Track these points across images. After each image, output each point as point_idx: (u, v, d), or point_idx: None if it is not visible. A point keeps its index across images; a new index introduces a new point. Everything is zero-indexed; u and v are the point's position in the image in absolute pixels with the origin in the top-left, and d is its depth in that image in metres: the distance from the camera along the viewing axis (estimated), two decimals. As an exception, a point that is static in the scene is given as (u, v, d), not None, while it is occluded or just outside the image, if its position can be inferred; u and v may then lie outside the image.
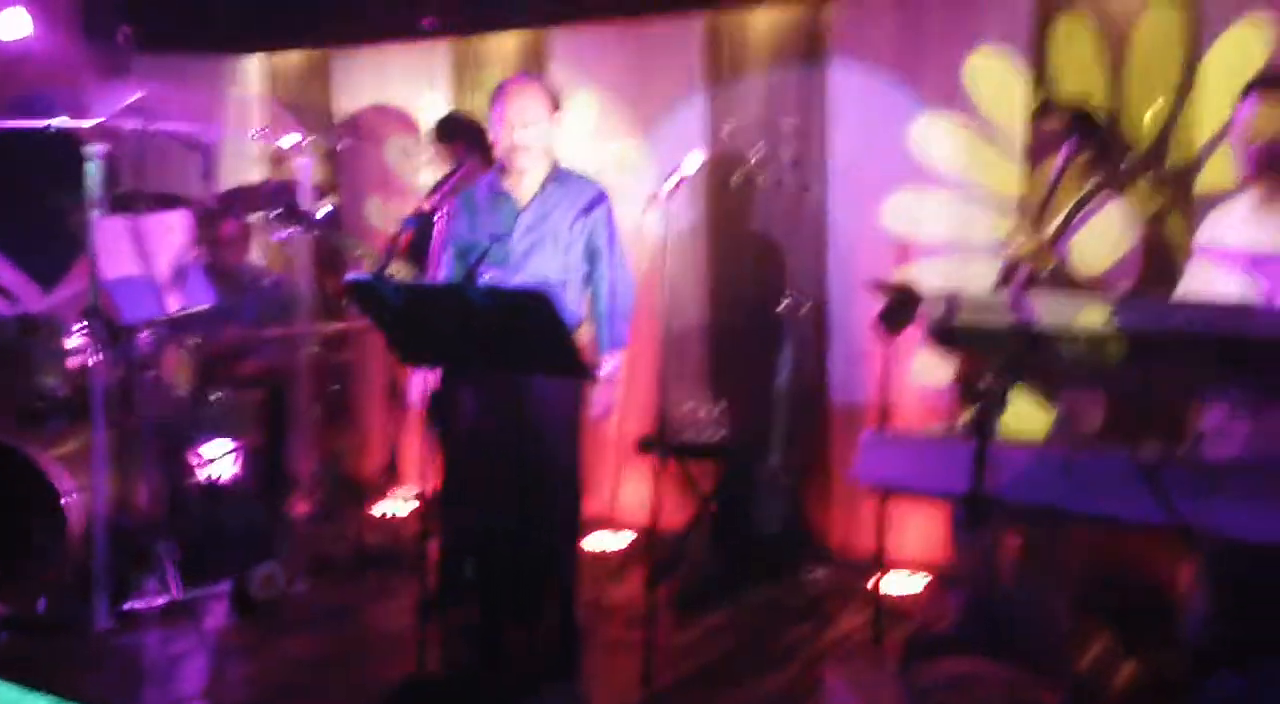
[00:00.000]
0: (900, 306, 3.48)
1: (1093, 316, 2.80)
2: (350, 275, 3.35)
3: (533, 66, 5.37)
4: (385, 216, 5.88)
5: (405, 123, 5.86)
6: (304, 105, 6.04)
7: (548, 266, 3.62)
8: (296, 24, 5.82)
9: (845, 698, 2.60)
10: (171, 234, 4.12)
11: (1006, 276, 3.73)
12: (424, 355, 3.17)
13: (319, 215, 4.04)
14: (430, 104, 5.73)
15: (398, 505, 5.49)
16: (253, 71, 6.32)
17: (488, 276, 3.50)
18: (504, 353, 2.96)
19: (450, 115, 4.87)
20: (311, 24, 5.79)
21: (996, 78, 4.42)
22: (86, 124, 4.07)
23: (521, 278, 3.58)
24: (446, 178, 3.65)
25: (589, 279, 3.73)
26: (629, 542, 5.08)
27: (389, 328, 3.08)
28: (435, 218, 3.59)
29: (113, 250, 3.95)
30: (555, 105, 3.69)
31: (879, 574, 3.62)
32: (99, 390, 4.07)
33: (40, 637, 4.04)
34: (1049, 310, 2.79)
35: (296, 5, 5.76)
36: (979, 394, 2.90)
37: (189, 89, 5.71)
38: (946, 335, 2.87)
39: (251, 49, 6.21)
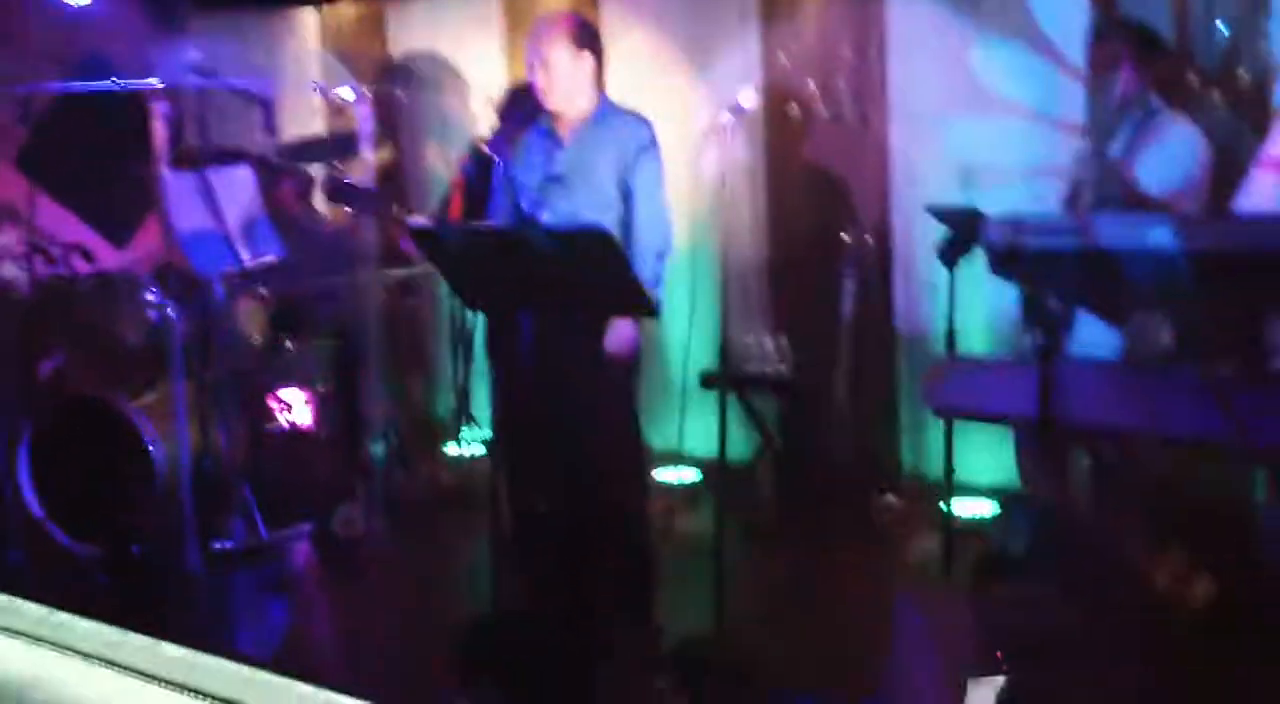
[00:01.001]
0: (960, 233, 3.49)
1: (1159, 237, 2.79)
2: (412, 221, 3.39)
3: (585, 7, 5.36)
4: (444, 162, 5.93)
5: (456, 70, 5.88)
6: (359, 55, 6.09)
7: (582, 206, 3.54)
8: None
9: (914, 619, 2.65)
10: (239, 188, 4.20)
11: (1072, 200, 3.71)
12: (486, 298, 3.20)
13: (361, 188, 4.03)
14: (483, 49, 5.75)
15: (468, 447, 5.59)
16: (308, 24, 6.37)
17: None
18: (566, 293, 3.00)
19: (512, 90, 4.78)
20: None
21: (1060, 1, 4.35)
22: (152, 83, 4.13)
23: (557, 218, 3.51)
24: (503, 122, 3.67)
25: (624, 218, 3.61)
26: (697, 475, 5.14)
27: (451, 272, 3.12)
28: (495, 162, 3.61)
29: (183, 205, 4.04)
30: (582, 43, 3.59)
31: (947, 499, 3.64)
32: (176, 342, 4.19)
33: (135, 579, 4.20)
34: (1113, 232, 2.78)
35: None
36: (1044, 317, 2.91)
37: (245, 44, 5.79)
38: (1010, 259, 2.87)
39: (305, 2, 6.25)
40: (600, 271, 2.86)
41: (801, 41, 4.91)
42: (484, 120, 5.53)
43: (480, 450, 5.53)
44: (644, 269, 3.52)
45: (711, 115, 4.98)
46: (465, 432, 5.58)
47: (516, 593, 3.96)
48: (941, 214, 3.63)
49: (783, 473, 4.91)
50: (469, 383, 5.54)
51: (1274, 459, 3.08)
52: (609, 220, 3.54)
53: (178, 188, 4.06)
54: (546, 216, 3.50)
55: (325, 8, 6.30)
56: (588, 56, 3.59)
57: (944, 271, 3.93)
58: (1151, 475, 3.41)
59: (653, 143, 3.61)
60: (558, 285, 2.93)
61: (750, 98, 3.36)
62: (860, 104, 4.80)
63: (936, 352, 4.69)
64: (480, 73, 5.71)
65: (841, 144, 4.88)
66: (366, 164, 4.58)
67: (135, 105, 5.72)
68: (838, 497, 4.78)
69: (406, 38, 6.06)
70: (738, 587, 3.89)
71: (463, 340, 5.46)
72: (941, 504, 4.45)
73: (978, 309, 4.54)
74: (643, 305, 2.91)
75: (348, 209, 3.81)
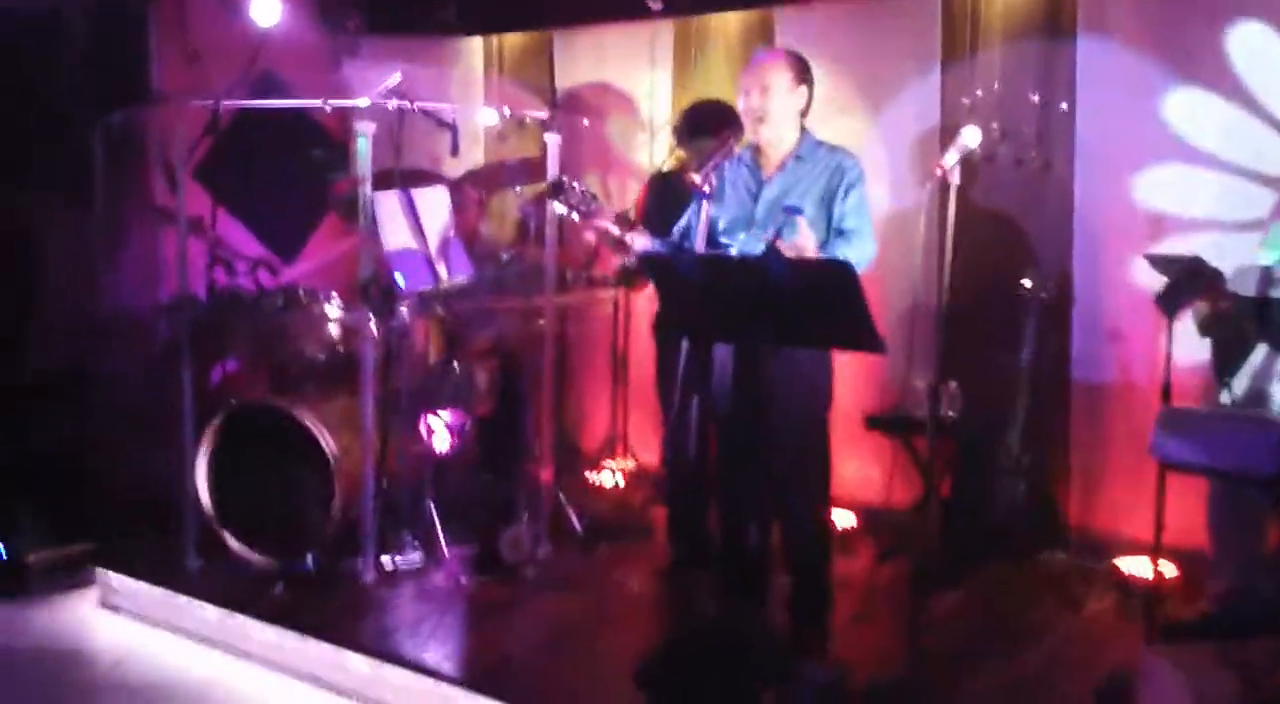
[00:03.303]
0: (1186, 282, 3.43)
1: None
2: (643, 247, 3.40)
3: (758, 43, 5.39)
4: (605, 192, 6.00)
5: (625, 101, 5.95)
6: (525, 83, 6.19)
7: (791, 240, 3.48)
8: (524, 5, 5.96)
9: (1170, 677, 2.58)
10: (437, 209, 4.27)
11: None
12: (714, 330, 3.20)
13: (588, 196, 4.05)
14: (652, 82, 5.81)
15: (617, 476, 5.61)
16: (474, 52, 6.49)
17: (734, 250, 3.57)
18: (798, 326, 2.99)
19: (693, 109, 4.80)
20: (539, 5, 5.92)
21: (1262, 51, 4.27)
22: (360, 103, 4.23)
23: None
24: (711, 153, 3.68)
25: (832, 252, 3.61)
26: (855, 519, 5.09)
27: (678, 303, 3.12)
28: (705, 192, 3.62)
29: (391, 224, 4.11)
30: (800, 78, 3.65)
31: (1150, 556, 3.56)
32: (369, 357, 4.26)
33: (311, 589, 4.26)
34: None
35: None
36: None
37: (421, 70, 5.91)
38: (1267, 310, 2.81)
39: (476, 31, 6.37)
40: (838, 307, 2.85)
41: (985, 84, 4.89)
42: (658, 149, 5.60)
43: (625, 479, 5.55)
44: None
45: (886, 157, 5.06)
46: (619, 461, 5.61)
47: (691, 621, 3.96)
48: (1161, 262, 3.56)
49: (947, 521, 4.83)
50: (623, 412, 5.60)
51: None
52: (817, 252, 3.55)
53: (386, 207, 4.13)
54: (746, 249, 3.51)
55: (493, 37, 6.40)
56: (804, 91, 3.62)
57: (1146, 320, 3.89)
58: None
59: (861, 178, 3.62)
60: (789, 318, 2.92)
61: (974, 136, 3.34)
62: (1045, 149, 4.75)
63: (1113, 404, 4.65)
64: (650, 104, 5.77)
65: (1024, 189, 4.82)
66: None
67: (304, 123, 5.90)
68: (1003, 547, 4.70)
69: (571, 67, 6.14)
70: (915, 632, 3.85)
71: (620, 370, 5.52)
72: (1132, 561, 4.38)
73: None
74: (875, 342, 2.89)
75: (579, 215, 3.72)
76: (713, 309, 3.02)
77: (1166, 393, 3.50)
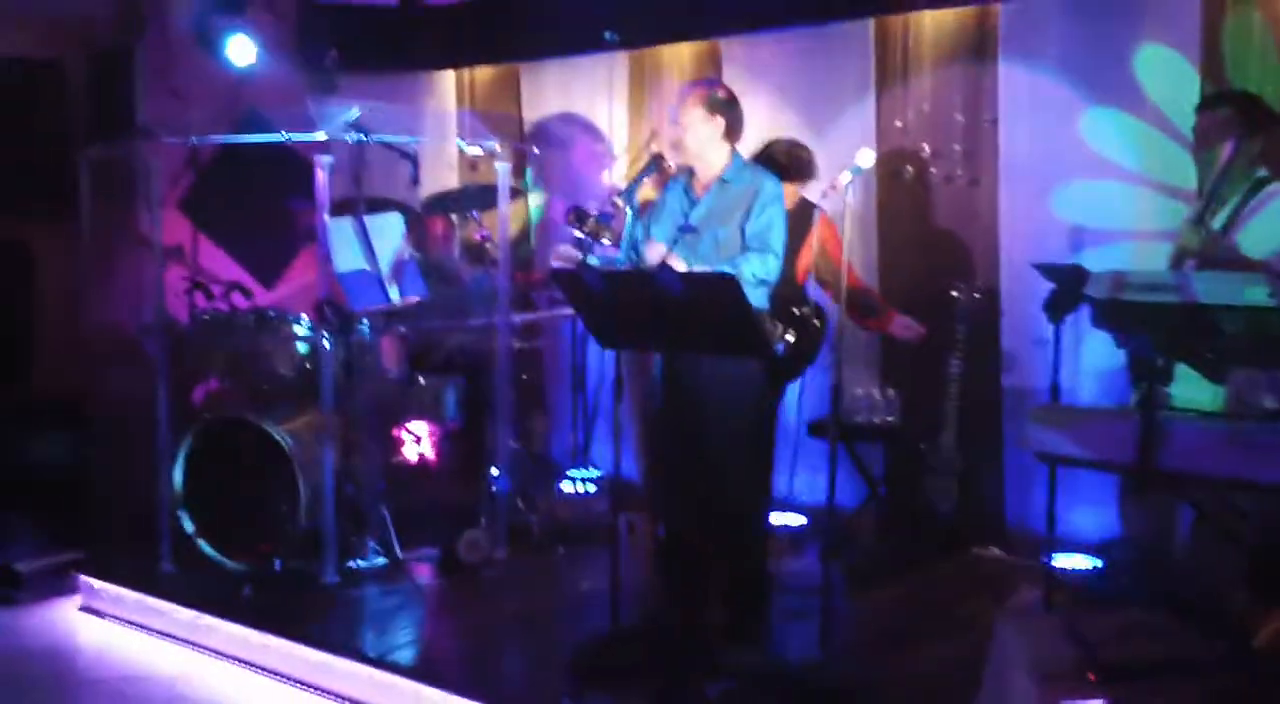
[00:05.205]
0: (1067, 289, 3.67)
1: (1255, 294, 2.95)
2: (554, 265, 3.68)
3: (707, 73, 5.68)
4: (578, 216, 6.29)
5: (589, 129, 6.25)
6: (495, 115, 6.49)
7: (713, 258, 3.79)
8: (489, 42, 6.28)
9: (1013, 644, 2.80)
10: (390, 234, 4.57)
11: (1176, 264, 3.85)
12: (621, 338, 3.46)
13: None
14: (611, 110, 6.11)
15: (583, 483, 5.86)
16: (447, 86, 6.82)
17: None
18: (693, 334, 3.25)
19: None
20: (503, 41, 6.24)
21: (1167, 72, 4.52)
22: (319, 137, 4.54)
23: (691, 266, 3.76)
24: (640, 175, 3.95)
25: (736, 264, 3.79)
26: (804, 520, 5.32)
27: (589, 313, 3.39)
28: (609, 213, 3.90)
29: (342, 248, 4.41)
30: (714, 109, 3.87)
31: (1050, 545, 3.78)
32: (328, 371, 4.55)
33: (278, 590, 4.54)
34: (1212, 289, 2.95)
35: (489, 25, 6.22)
36: (1145, 369, 3.07)
37: (393, 103, 6.22)
38: (1112, 312, 3.05)
39: (447, 66, 6.70)
40: (725, 316, 3.11)
41: (916, 107, 5.15)
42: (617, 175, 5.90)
43: (592, 487, 5.80)
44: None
45: (831, 175, 5.33)
46: (580, 470, 5.87)
47: (637, 616, 4.20)
48: (1048, 270, 3.80)
49: (888, 521, 5.07)
50: (588, 423, 5.86)
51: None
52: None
53: (338, 232, 4.43)
54: (679, 265, 3.78)
55: (463, 71, 6.73)
56: (719, 120, 3.88)
57: (1050, 326, 4.12)
58: (1257, 529, 3.51)
59: (775, 199, 3.87)
60: (686, 327, 3.18)
61: (868, 158, 3.59)
62: (971, 167, 5.01)
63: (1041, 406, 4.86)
64: (609, 132, 6.06)
65: (954, 204, 5.08)
66: (503, 216, 4.95)
67: (287, 157, 6.22)
68: (940, 545, 4.92)
69: (538, 98, 6.46)
70: (844, 623, 4.08)
71: (582, 383, 5.79)
72: (1044, 556, 4.60)
73: (1087, 364, 4.69)
74: (761, 346, 3.15)
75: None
76: (618, 319, 3.29)
77: (1055, 392, 3.74)
